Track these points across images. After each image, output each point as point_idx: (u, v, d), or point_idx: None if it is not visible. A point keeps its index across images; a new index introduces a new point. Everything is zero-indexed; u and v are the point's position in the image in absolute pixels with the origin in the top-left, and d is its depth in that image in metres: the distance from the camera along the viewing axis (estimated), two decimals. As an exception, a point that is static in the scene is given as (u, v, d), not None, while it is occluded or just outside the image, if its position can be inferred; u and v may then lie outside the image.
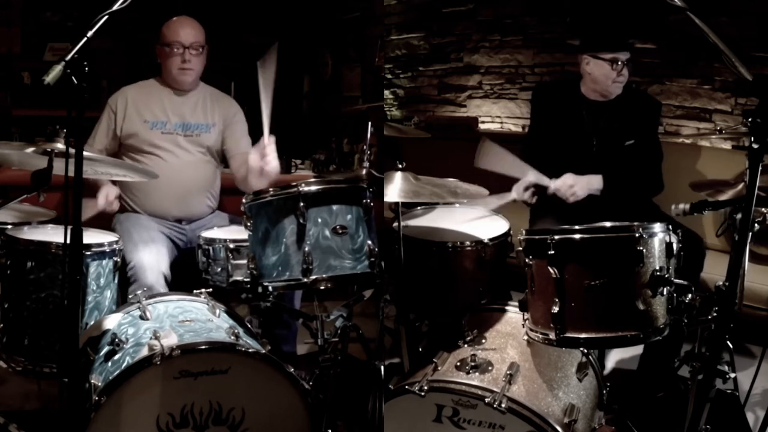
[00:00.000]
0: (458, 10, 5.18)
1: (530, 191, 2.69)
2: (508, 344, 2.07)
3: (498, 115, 5.09)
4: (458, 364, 1.97)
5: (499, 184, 2.77)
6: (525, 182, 2.71)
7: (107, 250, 2.28)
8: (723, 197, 2.22)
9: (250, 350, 1.94)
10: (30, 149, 1.93)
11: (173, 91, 2.90)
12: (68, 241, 1.56)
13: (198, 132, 2.90)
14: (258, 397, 1.94)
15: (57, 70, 1.50)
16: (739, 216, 1.89)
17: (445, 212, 2.85)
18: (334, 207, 2.08)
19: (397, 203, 2.31)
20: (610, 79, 2.69)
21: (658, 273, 1.82)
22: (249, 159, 2.50)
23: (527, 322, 2.01)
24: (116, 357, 1.92)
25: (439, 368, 1.98)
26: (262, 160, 2.44)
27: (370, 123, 2.73)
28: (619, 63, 2.65)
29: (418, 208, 2.88)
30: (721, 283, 1.60)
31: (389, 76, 5.78)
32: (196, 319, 2.08)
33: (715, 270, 2.55)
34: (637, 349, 2.76)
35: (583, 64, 2.76)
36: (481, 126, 5.10)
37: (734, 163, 3.15)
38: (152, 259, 2.50)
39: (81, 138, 1.64)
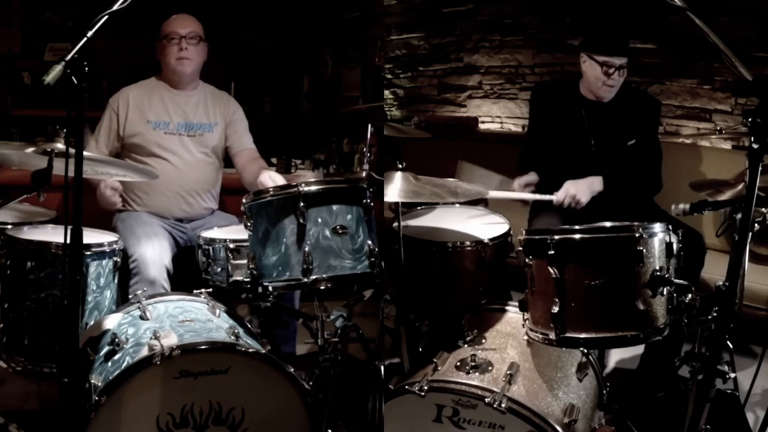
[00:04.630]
0: (458, 10, 5.18)
1: (530, 188, 2.70)
2: (508, 344, 2.07)
3: (498, 115, 5.09)
4: (458, 364, 1.97)
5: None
6: (527, 180, 2.71)
7: (107, 250, 2.28)
8: (723, 197, 2.21)
9: (250, 350, 1.94)
10: (30, 149, 1.93)
11: (175, 90, 2.90)
12: (68, 241, 1.56)
13: (201, 132, 2.90)
14: (258, 397, 1.94)
15: (57, 70, 1.50)
16: (739, 216, 1.89)
17: (445, 212, 2.85)
18: (334, 207, 2.08)
19: (397, 203, 2.31)
20: (600, 81, 2.69)
21: (658, 273, 1.82)
22: (263, 178, 2.58)
23: (527, 322, 2.01)
24: (116, 357, 1.93)
25: (439, 368, 1.98)
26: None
27: (370, 123, 2.73)
28: (612, 69, 2.64)
29: (418, 208, 2.88)
30: (721, 283, 1.60)
31: (389, 76, 5.78)
32: (196, 319, 2.08)
33: (715, 270, 2.55)
34: (637, 349, 2.76)
35: (581, 61, 2.76)
36: (481, 126, 5.10)
37: (734, 163, 3.15)
38: (155, 253, 2.50)
39: (81, 138, 1.64)
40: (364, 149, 2.75)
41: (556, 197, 2.65)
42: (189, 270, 2.56)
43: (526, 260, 1.96)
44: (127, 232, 2.58)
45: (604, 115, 2.78)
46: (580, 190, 2.62)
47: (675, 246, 1.88)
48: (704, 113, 3.85)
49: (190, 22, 2.88)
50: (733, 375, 1.97)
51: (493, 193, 2.66)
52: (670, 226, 1.93)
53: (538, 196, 2.71)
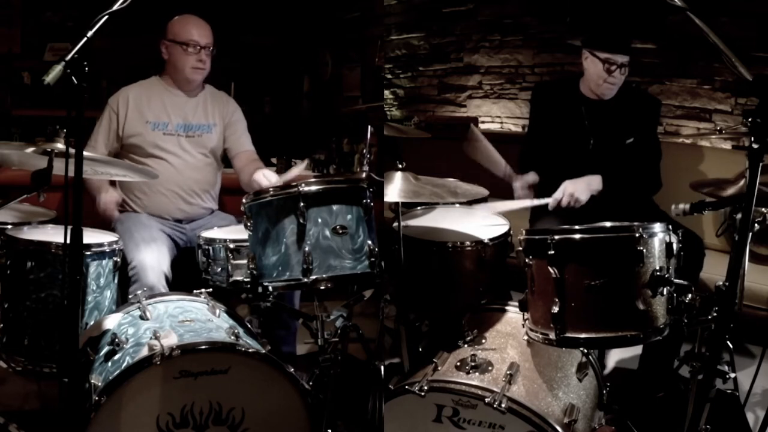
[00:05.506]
0: (458, 10, 5.18)
1: (530, 191, 2.70)
2: (508, 344, 2.07)
3: (498, 115, 5.09)
4: (458, 364, 1.97)
5: (498, 184, 2.78)
6: (528, 180, 2.71)
7: (107, 250, 2.29)
8: (723, 197, 2.21)
9: (250, 350, 1.94)
10: (30, 149, 1.93)
11: (175, 91, 2.90)
12: (68, 241, 1.56)
13: (200, 132, 2.90)
14: (258, 397, 1.94)
15: (57, 70, 1.50)
16: (739, 216, 1.89)
17: (445, 212, 2.85)
18: (334, 207, 2.08)
19: (397, 203, 2.31)
20: (601, 79, 2.69)
21: (658, 273, 1.82)
22: (259, 178, 2.60)
23: (527, 322, 2.01)
24: (116, 357, 1.93)
25: (439, 368, 1.98)
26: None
27: (370, 123, 2.73)
28: (614, 66, 2.64)
29: (418, 208, 2.88)
30: (721, 283, 1.60)
31: (389, 76, 5.78)
32: (196, 319, 2.08)
33: (715, 270, 2.55)
34: (637, 349, 2.76)
35: (583, 58, 2.77)
36: (481, 126, 5.10)
37: (734, 163, 3.14)
38: (153, 259, 2.50)
39: (81, 138, 1.64)
40: (364, 149, 2.75)
41: (552, 199, 2.64)
42: (189, 270, 2.56)
43: (526, 260, 1.96)
44: (126, 236, 2.57)
45: (604, 113, 2.78)
46: (579, 188, 2.62)
47: (675, 246, 1.88)
48: (704, 113, 3.85)
49: (209, 32, 2.87)
50: (733, 375, 1.97)
51: (494, 209, 2.66)
52: (670, 226, 1.93)
53: (535, 202, 2.71)
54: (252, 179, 2.64)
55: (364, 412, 2.24)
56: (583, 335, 1.84)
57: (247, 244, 2.21)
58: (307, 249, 2.03)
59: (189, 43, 2.81)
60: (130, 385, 1.81)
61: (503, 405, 1.77)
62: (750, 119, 1.46)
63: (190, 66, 2.83)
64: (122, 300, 2.41)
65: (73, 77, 1.51)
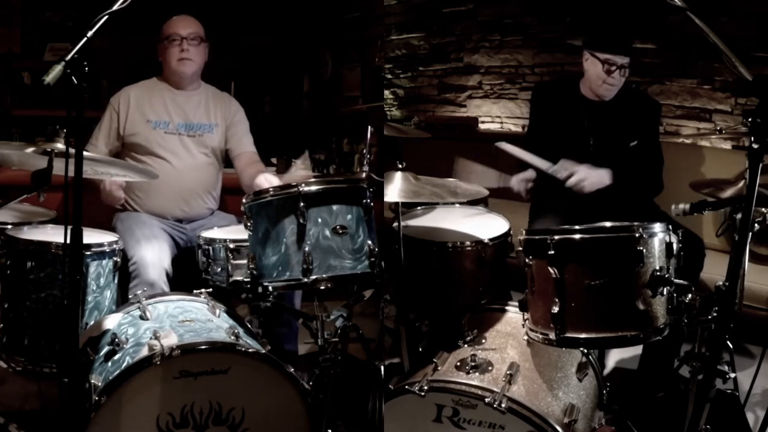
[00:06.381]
0: (458, 10, 5.18)
1: (527, 186, 2.70)
2: (508, 344, 2.07)
3: (498, 115, 5.09)
4: (458, 364, 1.97)
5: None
6: (525, 176, 2.71)
7: (107, 250, 2.29)
8: (723, 197, 2.21)
9: (250, 350, 1.94)
10: (30, 149, 1.93)
11: (176, 90, 2.91)
12: (68, 241, 1.56)
13: (201, 132, 2.91)
14: (258, 397, 1.94)
15: (57, 70, 1.50)
16: (739, 216, 1.89)
17: (445, 212, 2.85)
18: (335, 207, 2.08)
19: (397, 203, 2.31)
20: (601, 80, 2.69)
21: (658, 273, 1.82)
22: (260, 180, 2.60)
23: (527, 322, 2.01)
24: (116, 357, 1.93)
25: (439, 368, 1.98)
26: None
27: (370, 123, 2.73)
28: (613, 67, 2.64)
29: (418, 208, 2.88)
30: (721, 283, 1.60)
31: (389, 76, 5.78)
32: (196, 319, 2.08)
33: (715, 270, 2.55)
34: (637, 349, 2.76)
35: (583, 59, 2.77)
36: (481, 126, 5.10)
37: (734, 163, 3.14)
38: (154, 256, 2.50)
39: (81, 138, 1.64)
40: (364, 149, 2.75)
41: (565, 171, 2.61)
42: (189, 270, 2.56)
43: (526, 260, 1.96)
44: (127, 233, 2.58)
45: (603, 114, 2.78)
46: (591, 180, 2.60)
47: (675, 246, 1.89)
48: (704, 113, 3.85)
49: (191, 23, 2.88)
50: (733, 375, 1.97)
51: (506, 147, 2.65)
52: (670, 226, 1.93)
53: (546, 165, 2.68)
54: (255, 183, 2.63)
55: (364, 412, 2.24)
56: (583, 335, 1.85)
57: (247, 244, 2.21)
58: (307, 249, 2.03)
59: (170, 36, 2.84)
60: (130, 385, 1.81)
61: (503, 405, 1.77)
62: (750, 119, 1.46)
63: (176, 58, 2.84)
64: (122, 299, 2.41)
65: (73, 77, 1.51)
